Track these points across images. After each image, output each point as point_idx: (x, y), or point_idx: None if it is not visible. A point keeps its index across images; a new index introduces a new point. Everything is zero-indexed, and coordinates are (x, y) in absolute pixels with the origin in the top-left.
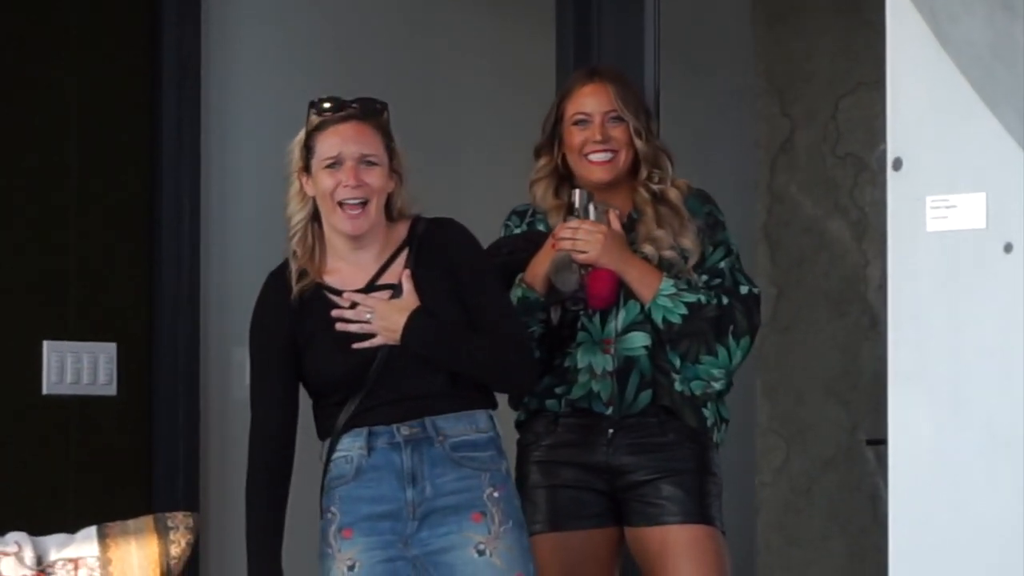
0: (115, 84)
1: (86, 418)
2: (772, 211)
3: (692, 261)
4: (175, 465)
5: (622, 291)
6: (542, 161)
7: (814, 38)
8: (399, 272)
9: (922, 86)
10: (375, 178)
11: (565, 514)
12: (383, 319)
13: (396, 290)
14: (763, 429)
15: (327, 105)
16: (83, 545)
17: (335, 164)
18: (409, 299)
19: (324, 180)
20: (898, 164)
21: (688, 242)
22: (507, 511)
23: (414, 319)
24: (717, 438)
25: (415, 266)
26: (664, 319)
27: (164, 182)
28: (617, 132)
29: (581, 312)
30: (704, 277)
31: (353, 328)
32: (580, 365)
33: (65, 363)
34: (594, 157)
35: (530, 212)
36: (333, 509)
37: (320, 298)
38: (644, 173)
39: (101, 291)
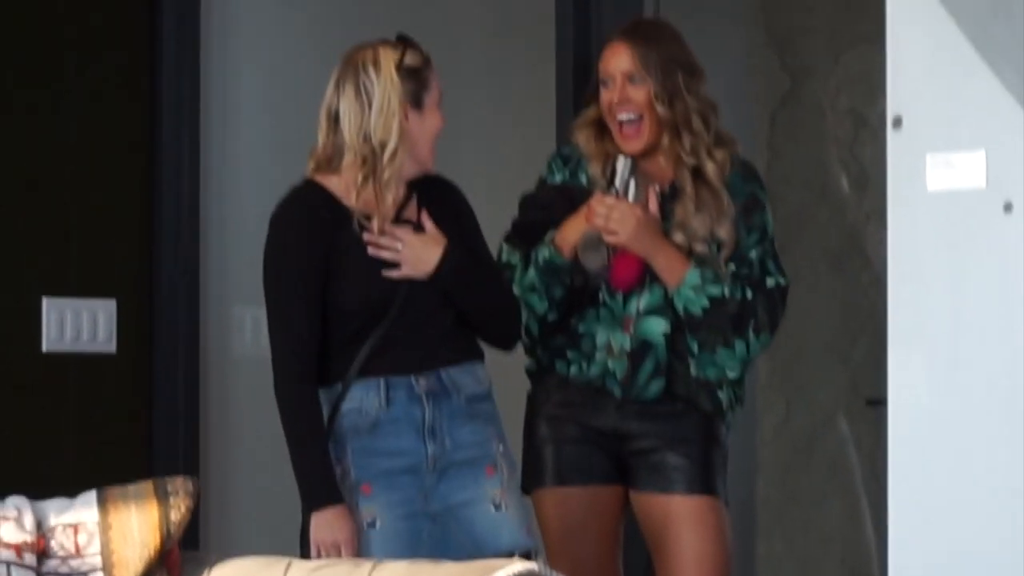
0: (113, 40)
1: (86, 376)
2: (771, 166)
3: (725, 253)
4: (175, 423)
5: (648, 273)
6: (586, 111)
7: None
8: (415, 212)
9: (922, 44)
10: None
11: (571, 469)
12: (414, 250)
13: (416, 228)
14: (763, 386)
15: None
16: (82, 510)
17: (441, 102)
18: (436, 235)
19: (437, 117)
20: (898, 122)
21: (724, 232)
22: (511, 465)
23: (450, 252)
24: (730, 418)
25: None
26: (686, 309)
27: (164, 137)
28: (637, 94)
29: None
30: (732, 266)
31: (386, 255)
32: (599, 342)
33: (64, 320)
34: (620, 116)
35: (575, 159)
36: (346, 463)
37: (351, 223)
38: (667, 139)
39: (101, 247)
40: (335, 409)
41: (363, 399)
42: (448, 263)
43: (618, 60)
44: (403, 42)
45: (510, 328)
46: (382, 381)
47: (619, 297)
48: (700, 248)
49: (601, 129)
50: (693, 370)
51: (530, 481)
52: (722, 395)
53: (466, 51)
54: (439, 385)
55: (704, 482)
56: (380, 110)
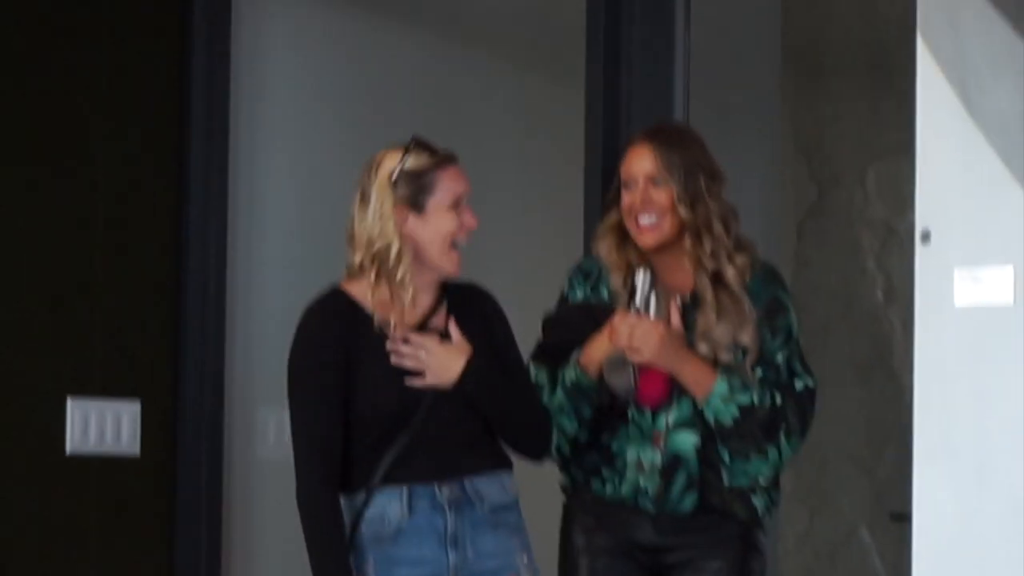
0: (143, 137)
1: (109, 478)
2: (798, 276)
3: (751, 359)
4: (198, 526)
5: (675, 387)
6: (607, 217)
7: (842, 103)
8: (443, 320)
9: (951, 158)
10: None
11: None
12: (438, 359)
13: (443, 336)
14: (787, 496)
15: (431, 146)
16: None
17: (457, 205)
18: (462, 344)
19: (449, 220)
20: (926, 237)
21: (747, 337)
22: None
23: (473, 361)
24: (767, 523)
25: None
26: (716, 419)
27: (191, 240)
28: (660, 196)
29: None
30: (759, 371)
31: (408, 363)
32: (629, 460)
33: (89, 421)
34: (640, 220)
35: (595, 273)
36: (368, 571)
37: (374, 329)
38: (688, 242)
39: (126, 348)
40: (358, 516)
41: (386, 507)
42: (471, 373)
43: (641, 163)
44: (411, 144)
45: (540, 441)
46: (405, 489)
47: (648, 413)
48: (725, 357)
49: (622, 236)
50: (726, 479)
51: None
52: (757, 501)
53: (494, 115)
54: (463, 494)
55: None
56: (374, 214)
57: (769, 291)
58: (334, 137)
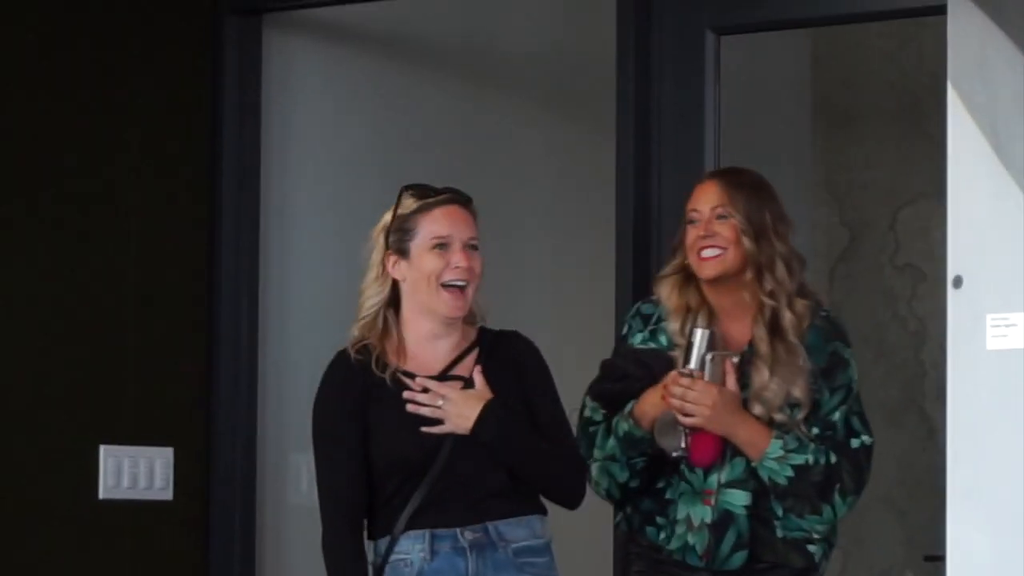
0: (174, 183)
1: (142, 523)
2: None
3: (802, 414)
4: (230, 571)
5: (728, 448)
6: (671, 260)
7: (873, 147)
8: (470, 367)
9: (982, 204)
10: (478, 263)
11: None
12: (456, 406)
13: (468, 383)
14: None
15: (424, 189)
16: None
17: (444, 245)
18: (483, 391)
19: (430, 261)
20: (958, 282)
21: (799, 392)
22: None
23: (489, 409)
24: (824, 567)
25: (484, 369)
26: (770, 479)
27: (222, 286)
28: (724, 229)
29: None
30: (816, 429)
31: (425, 412)
32: (679, 516)
33: (122, 467)
34: (704, 253)
35: (655, 318)
36: None
37: (392, 381)
38: (749, 277)
39: (158, 395)
40: (383, 562)
41: (409, 551)
42: (485, 419)
43: (707, 196)
44: (400, 193)
45: (569, 490)
46: (427, 533)
47: (699, 471)
48: (779, 417)
49: (685, 280)
50: (779, 532)
51: None
52: (814, 548)
53: (524, 164)
54: (485, 537)
55: None
56: (371, 266)
57: (829, 348)
58: (364, 184)
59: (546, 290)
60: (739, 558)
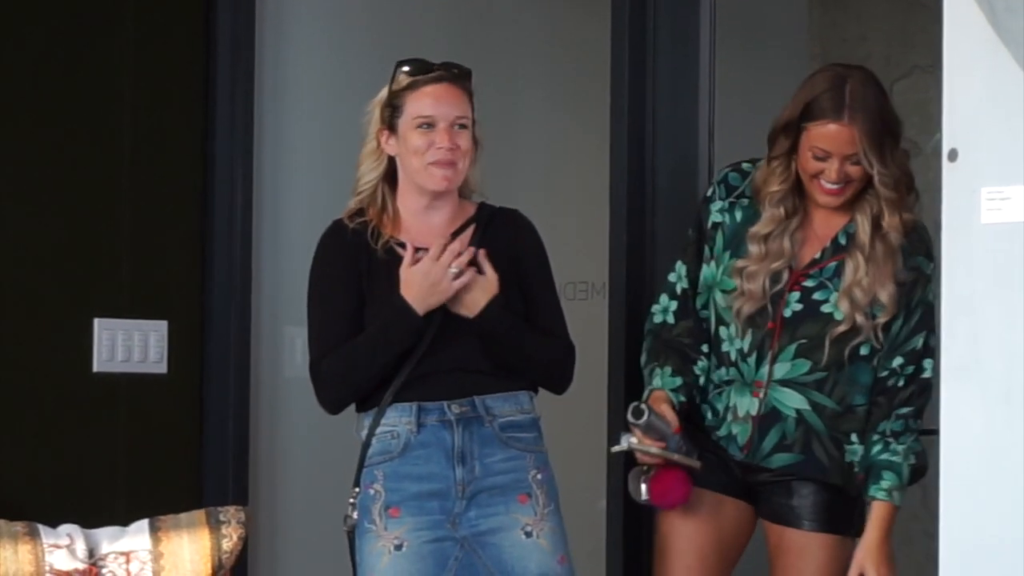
0: (169, 59)
1: (136, 396)
2: None
3: (879, 321)
4: (225, 444)
5: (781, 337)
6: (778, 155)
7: (869, 21)
8: (466, 242)
9: (978, 78)
10: (465, 141)
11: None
12: (471, 290)
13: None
14: None
15: (417, 65)
16: (135, 538)
17: (428, 125)
18: (493, 282)
19: (415, 140)
20: (953, 155)
21: (885, 296)
22: (550, 493)
23: (494, 304)
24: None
25: (481, 245)
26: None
27: (217, 159)
28: (854, 171)
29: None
30: (899, 359)
31: (456, 265)
32: (729, 404)
33: (116, 341)
34: (827, 185)
35: (739, 191)
36: (377, 486)
37: (385, 251)
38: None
39: (152, 268)
40: (370, 433)
41: (396, 423)
42: (487, 316)
43: (840, 143)
44: (394, 69)
45: (559, 378)
46: (415, 406)
47: (752, 360)
48: (859, 319)
49: (788, 174)
50: (849, 457)
51: None
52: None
53: (522, 41)
54: (472, 411)
55: (831, 520)
56: (363, 143)
57: (913, 260)
58: (362, 63)
59: (542, 162)
60: (780, 461)
